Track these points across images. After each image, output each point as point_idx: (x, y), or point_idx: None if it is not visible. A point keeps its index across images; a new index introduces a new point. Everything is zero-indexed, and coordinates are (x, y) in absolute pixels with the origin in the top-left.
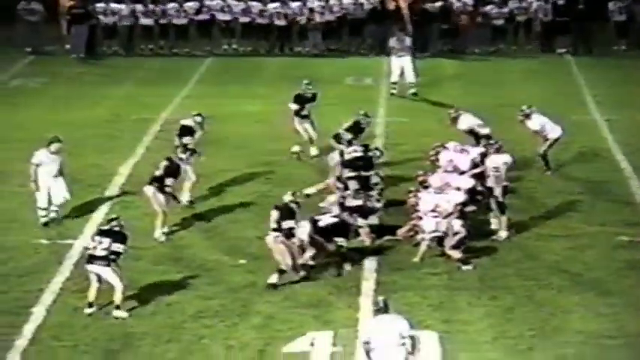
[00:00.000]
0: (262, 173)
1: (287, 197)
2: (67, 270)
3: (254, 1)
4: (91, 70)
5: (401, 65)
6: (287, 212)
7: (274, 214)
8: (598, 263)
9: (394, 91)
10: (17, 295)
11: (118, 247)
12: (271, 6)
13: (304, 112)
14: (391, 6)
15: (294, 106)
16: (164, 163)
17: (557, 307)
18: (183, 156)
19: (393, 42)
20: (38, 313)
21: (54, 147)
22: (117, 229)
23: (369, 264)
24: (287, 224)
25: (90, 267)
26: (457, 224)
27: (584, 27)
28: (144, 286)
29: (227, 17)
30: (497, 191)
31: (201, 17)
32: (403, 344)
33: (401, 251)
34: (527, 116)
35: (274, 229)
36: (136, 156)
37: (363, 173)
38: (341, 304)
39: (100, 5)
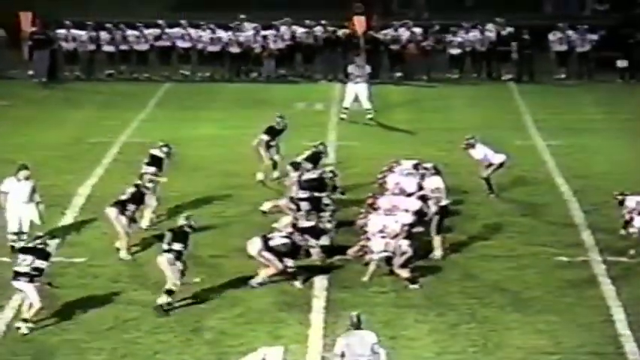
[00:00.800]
0: (219, 194)
1: (181, 221)
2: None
3: (208, 30)
4: (52, 93)
5: (356, 91)
6: (180, 235)
7: (168, 236)
8: (538, 282)
9: (344, 116)
10: None
11: (40, 263)
12: (225, 34)
13: (272, 143)
14: (346, 33)
15: (266, 138)
16: (130, 189)
17: (499, 324)
18: (150, 186)
19: (352, 68)
20: None
21: (22, 174)
22: (41, 246)
23: (320, 282)
24: (177, 246)
25: (15, 283)
26: (404, 244)
27: (528, 55)
28: (101, 302)
29: (186, 44)
30: (432, 210)
31: (161, 43)
32: (372, 358)
33: (350, 270)
34: (472, 145)
35: (165, 251)
36: (94, 177)
37: (316, 194)
38: (292, 321)
39: (61, 31)
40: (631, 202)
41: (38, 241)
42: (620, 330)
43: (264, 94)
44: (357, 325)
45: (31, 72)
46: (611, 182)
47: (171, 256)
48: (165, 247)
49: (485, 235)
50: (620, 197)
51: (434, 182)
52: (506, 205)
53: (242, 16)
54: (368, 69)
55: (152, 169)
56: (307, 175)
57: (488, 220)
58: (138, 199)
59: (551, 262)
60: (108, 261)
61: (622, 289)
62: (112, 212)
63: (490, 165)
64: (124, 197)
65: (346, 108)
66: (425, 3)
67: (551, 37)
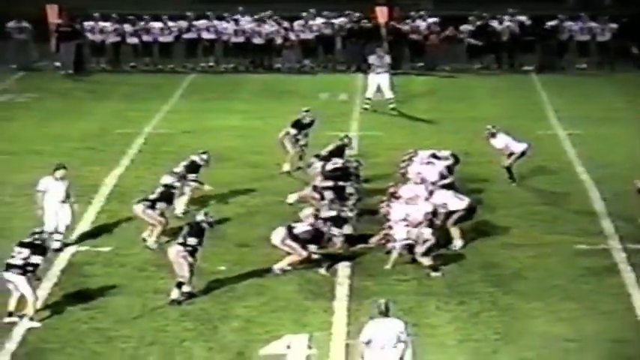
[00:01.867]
0: (245, 184)
1: (200, 216)
2: (55, 276)
3: (231, 22)
4: (78, 85)
5: (378, 82)
6: (196, 230)
7: (185, 230)
8: (559, 270)
9: (367, 107)
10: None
11: (36, 259)
12: (248, 26)
13: (299, 137)
14: (370, 24)
15: (293, 131)
16: (160, 189)
17: (521, 312)
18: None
19: (373, 59)
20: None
21: (59, 173)
22: (38, 242)
23: (343, 270)
24: (192, 241)
25: (6, 274)
26: (427, 232)
27: (550, 46)
28: (128, 291)
29: (211, 36)
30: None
31: (188, 36)
32: (398, 346)
33: (373, 259)
34: (493, 135)
35: (180, 244)
36: (120, 168)
37: (340, 184)
38: (316, 309)
39: (88, 23)
40: None
41: (36, 235)
42: None
43: (288, 86)
44: (385, 313)
45: (57, 64)
46: (631, 171)
47: (182, 248)
48: (180, 239)
49: (506, 224)
50: (638, 185)
51: (441, 198)
52: (528, 194)
53: (239, 8)
54: (388, 59)
55: (193, 175)
56: (331, 165)
57: (510, 209)
58: (167, 198)
59: (572, 250)
60: (134, 250)
61: None
62: (138, 208)
63: (511, 154)
64: (153, 197)
65: (369, 98)
66: None
67: (573, 25)
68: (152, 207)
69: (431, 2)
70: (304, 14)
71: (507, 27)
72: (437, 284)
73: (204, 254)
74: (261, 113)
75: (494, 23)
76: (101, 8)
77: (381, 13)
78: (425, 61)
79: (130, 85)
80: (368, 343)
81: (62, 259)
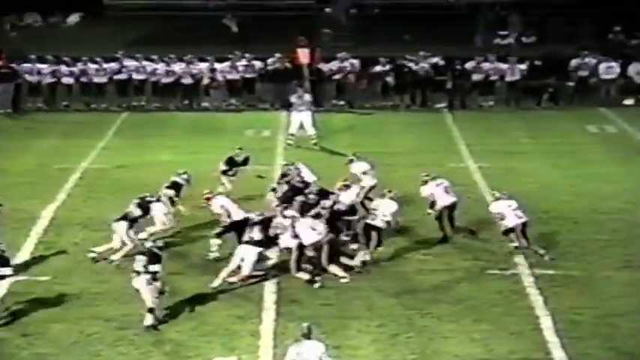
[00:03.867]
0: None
1: (148, 243)
2: None
3: (162, 63)
4: (17, 124)
5: (300, 119)
6: (153, 257)
7: (142, 259)
8: (471, 294)
9: (291, 142)
10: None
11: None
12: (178, 67)
13: (231, 173)
14: (290, 64)
15: (223, 167)
16: (136, 201)
17: (436, 333)
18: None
19: (294, 98)
20: None
21: None
22: None
23: (269, 296)
24: (153, 268)
25: None
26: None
27: (460, 85)
28: (66, 318)
29: (141, 77)
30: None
31: (120, 77)
32: None
33: (298, 284)
34: (424, 182)
35: (144, 272)
36: (57, 201)
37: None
38: (244, 333)
39: (26, 65)
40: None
41: None
42: (548, 337)
43: (216, 123)
44: (308, 336)
45: None
46: (538, 201)
47: (148, 277)
48: (140, 269)
49: (422, 250)
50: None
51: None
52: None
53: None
54: (309, 97)
55: (172, 191)
56: (279, 191)
57: (425, 236)
58: (145, 209)
59: (483, 275)
60: (71, 279)
61: (549, 299)
62: (120, 226)
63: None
64: (134, 213)
65: (292, 134)
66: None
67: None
68: (132, 225)
69: (351, 44)
70: (231, 56)
71: (422, 67)
72: (357, 308)
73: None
74: (192, 148)
75: (411, 64)
76: (38, 52)
77: (303, 55)
78: (346, 99)
79: (66, 123)
80: None
81: (1, 288)
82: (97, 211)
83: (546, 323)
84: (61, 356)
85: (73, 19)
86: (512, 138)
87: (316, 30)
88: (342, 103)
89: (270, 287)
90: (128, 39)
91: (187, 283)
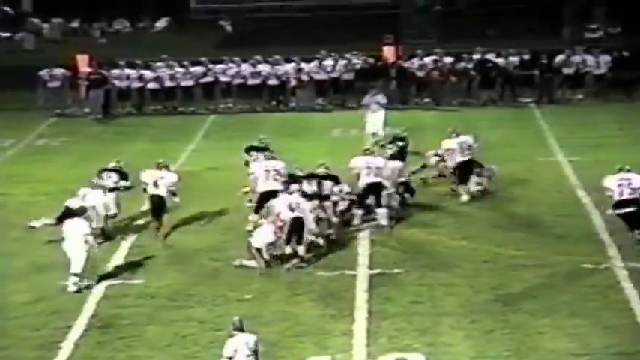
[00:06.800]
0: None
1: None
2: (92, 308)
3: (247, 64)
4: (107, 129)
5: (374, 118)
6: None
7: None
8: (565, 288)
9: (378, 139)
10: (48, 331)
11: None
12: (264, 68)
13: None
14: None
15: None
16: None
17: (531, 328)
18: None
19: (367, 99)
20: (66, 347)
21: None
22: None
23: (361, 295)
24: None
25: None
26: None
27: (548, 79)
28: (160, 320)
29: (227, 79)
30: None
31: (206, 79)
32: (251, 355)
33: (390, 283)
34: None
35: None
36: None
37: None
38: (337, 332)
39: (115, 71)
40: None
41: None
42: None
43: (303, 123)
44: (240, 328)
45: (87, 109)
46: None
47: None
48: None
49: (513, 246)
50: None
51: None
52: (534, 217)
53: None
54: (381, 97)
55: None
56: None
57: (516, 231)
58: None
59: (577, 269)
60: (164, 281)
61: None
62: None
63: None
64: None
65: (374, 134)
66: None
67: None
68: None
69: (435, 40)
70: (317, 55)
71: (510, 62)
72: (450, 305)
73: (232, 284)
74: (279, 149)
75: (499, 59)
76: (127, 57)
77: (389, 53)
78: (430, 96)
79: (155, 127)
80: (230, 357)
81: (97, 292)
82: (189, 214)
83: None
84: (156, 358)
85: (161, 24)
86: (602, 131)
87: (398, 28)
88: (426, 100)
89: (361, 285)
90: (214, 42)
91: (276, 284)
